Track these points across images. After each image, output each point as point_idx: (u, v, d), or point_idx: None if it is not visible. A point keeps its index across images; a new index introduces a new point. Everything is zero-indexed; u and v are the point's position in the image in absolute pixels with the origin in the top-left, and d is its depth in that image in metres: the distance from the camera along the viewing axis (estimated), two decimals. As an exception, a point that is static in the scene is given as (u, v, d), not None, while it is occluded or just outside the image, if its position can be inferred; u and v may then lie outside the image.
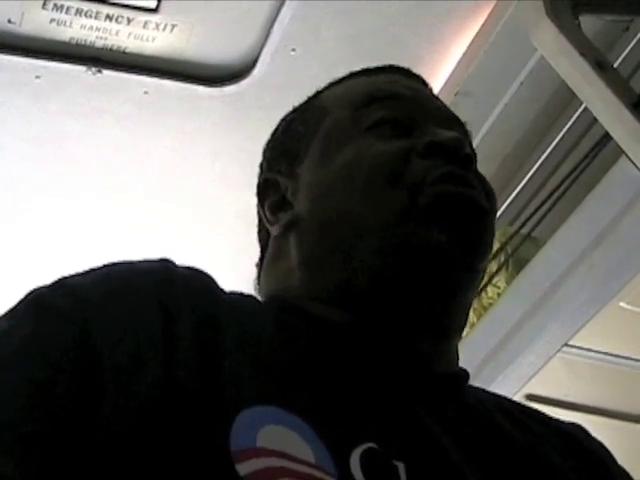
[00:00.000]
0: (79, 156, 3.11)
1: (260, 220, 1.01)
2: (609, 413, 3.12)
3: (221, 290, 0.85)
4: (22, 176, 3.15)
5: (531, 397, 3.03)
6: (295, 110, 1.04)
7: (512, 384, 2.96)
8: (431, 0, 2.79)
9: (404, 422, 0.79)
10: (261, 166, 1.04)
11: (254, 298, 0.89)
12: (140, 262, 0.83)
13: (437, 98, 1.01)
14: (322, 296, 0.88)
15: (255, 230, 1.02)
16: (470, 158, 0.91)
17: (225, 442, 0.68)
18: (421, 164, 0.88)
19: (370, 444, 0.73)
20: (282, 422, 0.71)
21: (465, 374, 0.91)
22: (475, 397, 0.90)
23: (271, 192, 0.98)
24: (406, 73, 1.03)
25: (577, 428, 0.96)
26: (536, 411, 0.96)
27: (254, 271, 1.01)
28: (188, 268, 0.84)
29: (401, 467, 0.73)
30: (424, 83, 1.03)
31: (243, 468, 0.67)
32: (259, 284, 0.99)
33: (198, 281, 0.83)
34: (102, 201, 3.28)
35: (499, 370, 2.94)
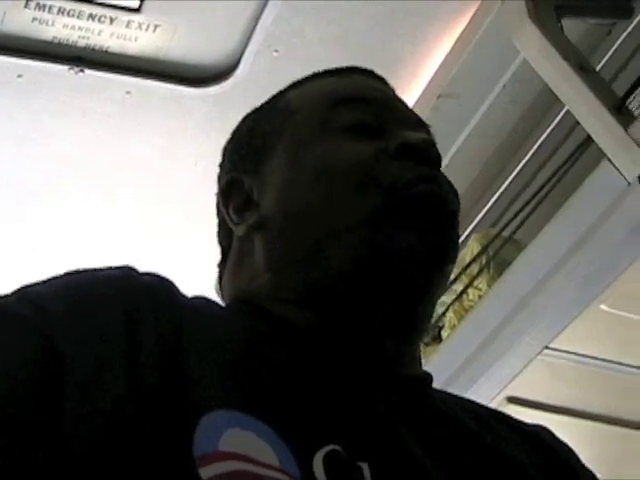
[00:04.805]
0: (63, 154, 3.11)
1: (221, 221, 0.99)
2: (590, 416, 3.13)
3: (183, 295, 0.84)
4: (6, 174, 3.15)
5: (512, 399, 3.03)
6: (258, 110, 1.04)
7: (493, 386, 2.96)
8: (414, 2, 2.80)
9: (369, 423, 0.78)
10: (221, 166, 1.02)
11: (216, 303, 0.88)
12: (102, 270, 0.83)
13: (401, 101, 1.01)
14: (289, 297, 0.87)
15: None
16: (440, 160, 0.92)
17: (188, 446, 0.68)
18: (393, 165, 0.88)
19: (334, 446, 0.73)
20: (245, 426, 0.71)
21: (428, 376, 0.91)
22: (440, 399, 0.90)
23: (235, 192, 0.97)
24: (370, 74, 1.03)
25: (542, 429, 0.96)
26: (501, 413, 0.96)
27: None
28: (149, 274, 0.84)
29: (365, 468, 0.73)
30: (387, 85, 1.03)
31: (206, 472, 0.67)
32: (221, 286, 0.98)
33: (159, 288, 0.82)
34: (86, 197, 3.28)
35: (480, 372, 2.95)
